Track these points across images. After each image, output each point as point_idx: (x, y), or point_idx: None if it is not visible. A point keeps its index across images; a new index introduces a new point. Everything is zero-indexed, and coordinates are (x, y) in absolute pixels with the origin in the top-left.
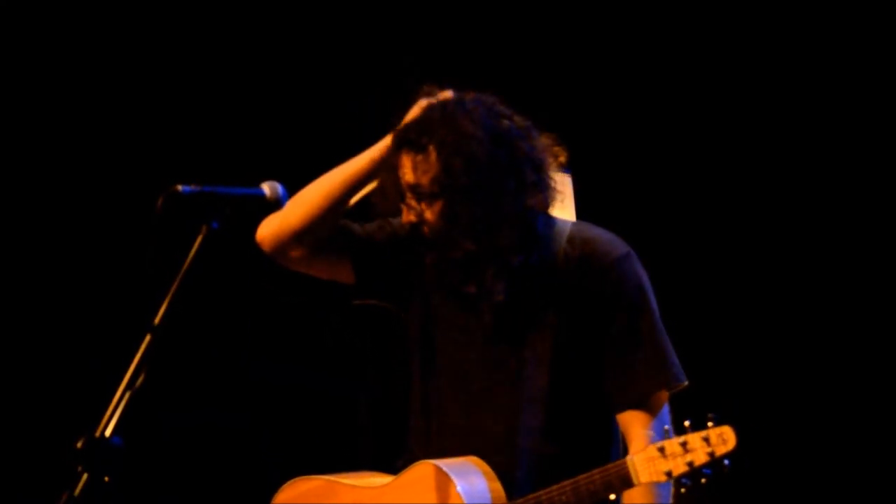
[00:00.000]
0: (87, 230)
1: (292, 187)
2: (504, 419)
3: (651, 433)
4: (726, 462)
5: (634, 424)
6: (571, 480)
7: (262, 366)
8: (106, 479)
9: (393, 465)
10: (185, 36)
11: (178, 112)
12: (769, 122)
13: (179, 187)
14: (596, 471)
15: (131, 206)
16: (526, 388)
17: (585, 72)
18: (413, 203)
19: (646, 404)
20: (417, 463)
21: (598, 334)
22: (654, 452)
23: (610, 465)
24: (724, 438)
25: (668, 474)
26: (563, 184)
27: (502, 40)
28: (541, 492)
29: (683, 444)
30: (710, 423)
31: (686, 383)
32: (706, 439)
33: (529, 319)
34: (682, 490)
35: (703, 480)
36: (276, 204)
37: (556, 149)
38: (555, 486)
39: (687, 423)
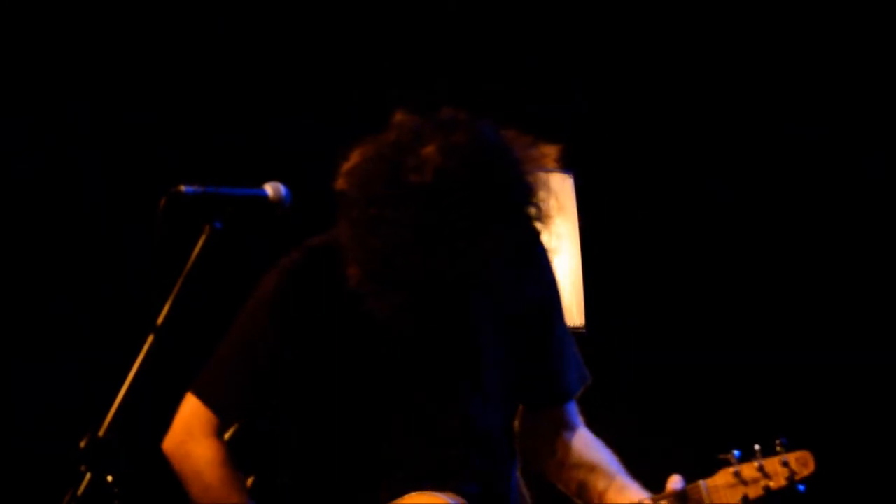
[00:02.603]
0: (90, 230)
1: (294, 188)
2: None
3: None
4: (801, 488)
5: (572, 414)
6: None
7: None
8: (109, 478)
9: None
10: (187, 37)
11: (179, 112)
12: (768, 128)
13: (182, 188)
14: (663, 494)
15: (134, 206)
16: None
17: (589, 73)
18: None
19: (575, 398)
20: (412, 495)
21: (541, 334)
22: (730, 478)
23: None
24: (803, 463)
25: (745, 499)
26: (563, 185)
27: (502, 38)
28: None
29: (761, 469)
30: (779, 448)
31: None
32: (786, 464)
33: (482, 329)
34: None
35: None
36: (278, 204)
37: (547, 151)
38: None
39: (758, 447)
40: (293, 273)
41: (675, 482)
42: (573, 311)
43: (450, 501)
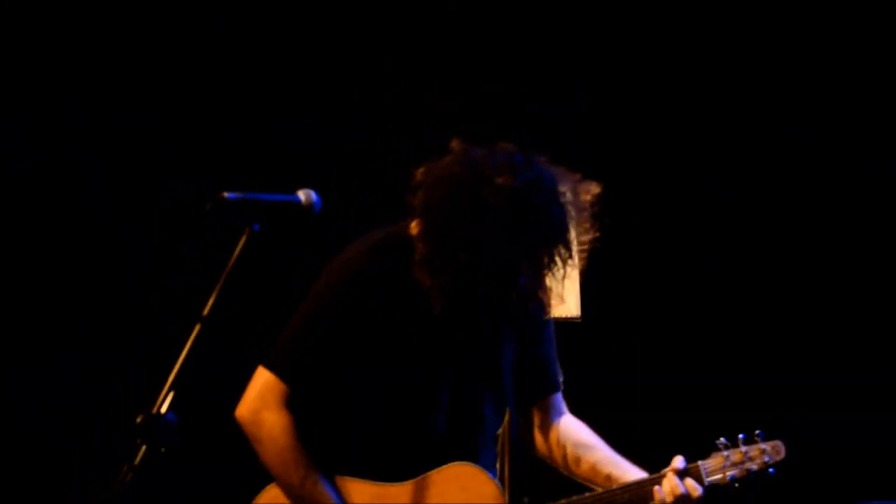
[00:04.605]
0: (90, 230)
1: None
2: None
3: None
4: (772, 471)
5: (559, 403)
6: (636, 480)
7: None
8: (162, 450)
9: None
10: (187, 37)
11: (179, 112)
12: (768, 129)
13: (225, 194)
14: (665, 470)
15: (134, 206)
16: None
17: (589, 73)
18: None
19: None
20: (453, 464)
21: (539, 335)
22: (722, 460)
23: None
24: (777, 450)
25: (732, 478)
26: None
27: (502, 38)
28: (609, 490)
29: (746, 454)
30: (756, 438)
31: None
32: (764, 450)
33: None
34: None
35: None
36: (309, 209)
37: (587, 189)
38: (632, 483)
39: (741, 437)
40: (365, 265)
41: (678, 461)
42: (570, 302)
43: (487, 473)
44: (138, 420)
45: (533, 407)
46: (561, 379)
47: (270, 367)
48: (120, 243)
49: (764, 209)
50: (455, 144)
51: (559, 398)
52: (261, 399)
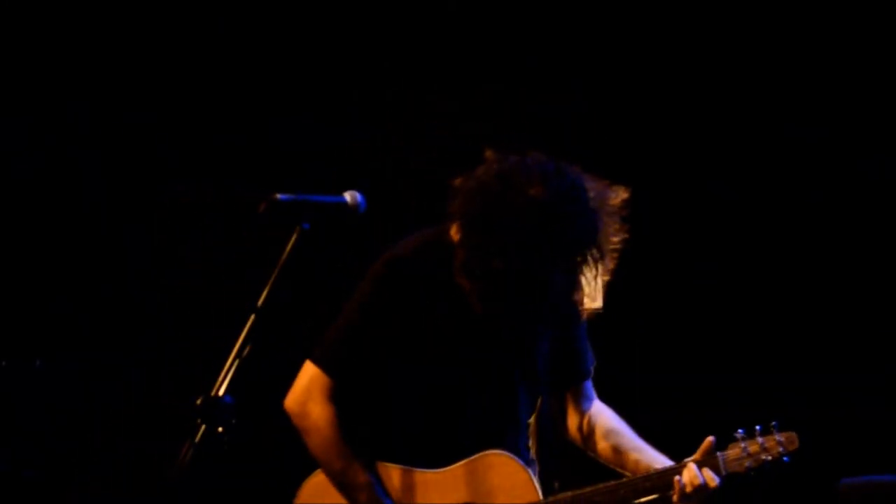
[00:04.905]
0: (90, 230)
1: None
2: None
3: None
4: (786, 459)
5: (589, 389)
6: (658, 470)
7: None
8: (220, 429)
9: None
10: (187, 37)
11: (179, 112)
12: (767, 129)
13: (278, 195)
14: (687, 460)
15: (134, 206)
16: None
17: (589, 73)
18: None
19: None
20: (486, 453)
21: (573, 326)
22: (739, 451)
23: (699, 458)
24: (791, 441)
25: (748, 468)
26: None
27: (502, 38)
28: (633, 478)
29: (762, 444)
30: (772, 429)
31: None
32: (780, 442)
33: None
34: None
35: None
36: (355, 209)
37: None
38: (655, 472)
39: (758, 428)
40: (408, 267)
41: (710, 438)
42: (595, 295)
43: (519, 461)
44: (198, 402)
45: (565, 393)
46: (593, 365)
47: (316, 362)
48: (120, 243)
49: (764, 209)
50: (489, 154)
51: (589, 385)
52: (307, 392)
